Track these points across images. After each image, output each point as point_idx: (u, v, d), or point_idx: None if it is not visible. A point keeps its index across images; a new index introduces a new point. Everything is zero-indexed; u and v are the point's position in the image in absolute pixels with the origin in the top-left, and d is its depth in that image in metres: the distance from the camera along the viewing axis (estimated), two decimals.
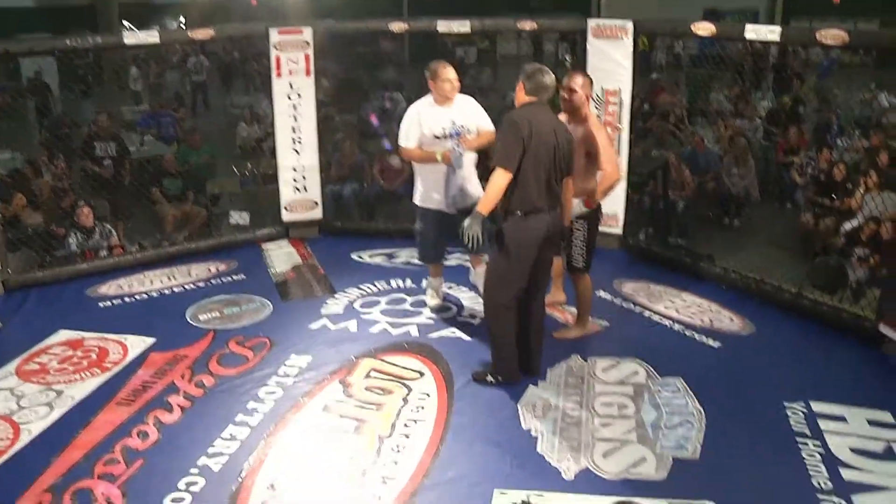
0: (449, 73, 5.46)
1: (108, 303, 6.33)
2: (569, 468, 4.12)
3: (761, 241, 7.78)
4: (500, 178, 4.43)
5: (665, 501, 3.85)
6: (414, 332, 5.68)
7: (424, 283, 6.31)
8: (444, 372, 5.09)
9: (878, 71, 17.86)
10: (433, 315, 5.93)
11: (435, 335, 5.62)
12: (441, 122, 5.47)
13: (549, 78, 4.60)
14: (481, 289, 6.10)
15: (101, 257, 7.03)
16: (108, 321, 5.93)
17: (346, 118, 11.29)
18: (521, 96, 4.67)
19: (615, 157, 5.27)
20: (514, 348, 4.88)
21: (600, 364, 5.18)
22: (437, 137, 5.47)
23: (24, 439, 4.40)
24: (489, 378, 4.91)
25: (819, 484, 4.00)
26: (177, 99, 14.29)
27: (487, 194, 4.48)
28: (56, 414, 4.66)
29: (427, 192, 5.67)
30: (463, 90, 5.72)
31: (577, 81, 5.25)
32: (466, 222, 4.51)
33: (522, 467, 4.13)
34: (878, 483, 4.02)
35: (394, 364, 5.20)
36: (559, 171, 4.61)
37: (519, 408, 4.67)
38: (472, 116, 5.59)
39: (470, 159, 5.63)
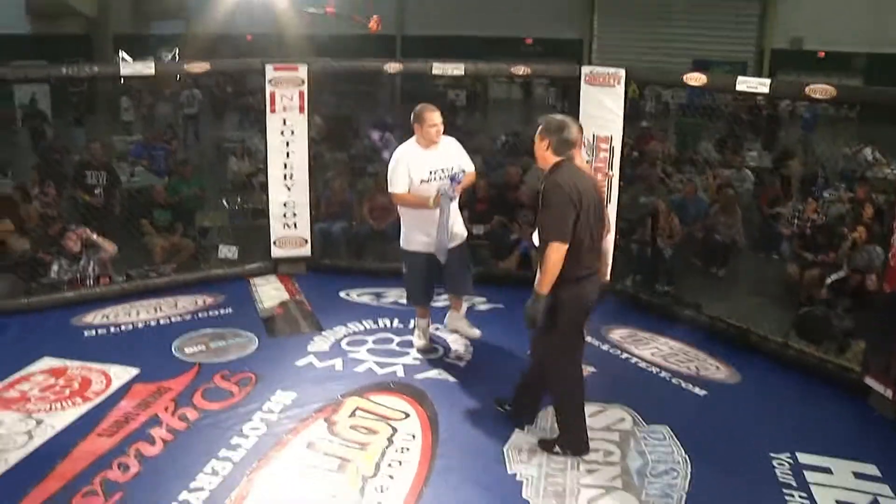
0: (435, 117, 5.50)
1: (94, 332, 6.28)
2: None
3: (748, 291, 7.81)
4: (558, 253, 4.23)
5: None
6: (400, 372, 5.65)
7: (412, 323, 6.29)
8: (430, 413, 5.07)
9: (860, 125, 18.13)
10: (420, 356, 5.91)
11: (421, 376, 5.60)
12: (427, 165, 5.52)
13: (575, 129, 4.49)
14: (468, 331, 6.14)
15: (87, 286, 6.98)
16: (92, 350, 5.88)
17: (336, 156, 11.32)
18: (543, 153, 4.45)
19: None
20: (584, 419, 4.74)
21: (587, 410, 5.12)
22: (424, 181, 5.50)
23: (1, 468, 4.34)
24: (556, 450, 4.66)
25: None
26: (169, 131, 14.32)
27: (547, 272, 4.27)
28: (35, 443, 4.60)
29: (411, 236, 5.70)
30: (454, 133, 5.82)
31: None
32: (528, 305, 4.35)
33: None
34: None
35: (379, 404, 5.18)
36: (599, 229, 4.49)
37: (505, 451, 4.65)
38: (456, 158, 5.65)
39: (454, 204, 5.66)
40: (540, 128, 4.47)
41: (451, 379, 5.58)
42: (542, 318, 4.35)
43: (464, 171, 5.60)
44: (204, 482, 4.25)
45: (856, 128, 18.38)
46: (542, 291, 4.30)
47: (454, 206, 5.64)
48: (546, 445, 4.71)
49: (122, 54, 11.07)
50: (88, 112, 17.06)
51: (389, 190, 5.62)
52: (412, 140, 5.62)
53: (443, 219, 5.49)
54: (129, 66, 6.78)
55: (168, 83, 17.88)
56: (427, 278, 5.82)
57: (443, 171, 5.52)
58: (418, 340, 6.10)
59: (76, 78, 6.79)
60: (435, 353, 5.97)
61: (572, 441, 4.67)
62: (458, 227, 5.72)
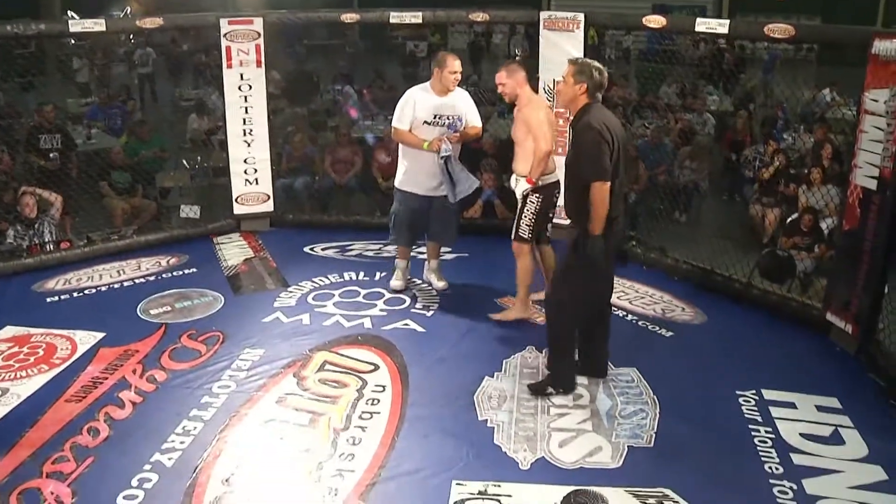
0: (457, 65, 5.65)
1: (56, 298, 6.18)
2: (525, 458, 4.14)
3: (711, 234, 7.88)
4: (602, 192, 4.27)
5: (621, 489, 3.89)
6: (368, 324, 5.65)
7: (377, 276, 6.41)
8: (399, 364, 5.08)
9: (819, 67, 18.25)
10: (387, 307, 5.91)
11: (389, 327, 5.61)
12: (434, 109, 5.66)
13: (605, 74, 4.47)
14: (436, 282, 6.16)
15: (47, 252, 6.85)
16: (55, 317, 5.79)
17: (296, 110, 11.18)
18: (577, 96, 4.42)
19: (549, 134, 5.28)
20: (574, 359, 4.83)
21: None
22: (427, 123, 5.67)
23: None
24: (549, 390, 4.73)
25: (771, 469, 4.08)
26: (125, 91, 14.00)
27: (598, 213, 4.29)
28: (1, 412, 4.54)
29: (408, 176, 5.84)
30: (415, 82, 5.93)
31: (501, 77, 5.44)
32: (589, 250, 4.36)
33: (479, 458, 4.13)
34: (827, 466, 4.13)
35: (348, 357, 5.18)
36: (627, 174, 4.55)
37: (475, 399, 4.67)
38: (464, 109, 5.76)
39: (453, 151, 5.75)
40: (572, 70, 4.45)
41: (419, 329, 5.60)
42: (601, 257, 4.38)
43: (462, 121, 5.74)
44: (176, 442, 4.23)
45: (815, 69, 18.52)
46: (598, 231, 4.33)
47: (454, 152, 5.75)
48: (538, 389, 4.75)
49: (71, 14, 10.79)
50: (39, 74, 16.62)
51: (392, 124, 5.81)
52: (427, 83, 5.80)
53: (447, 165, 5.63)
54: (79, 24, 6.59)
55: (121, 42, 17.50)
56: (412, 221, 5.95)
57: (448, 118, 5.69)
58: (395, 281, 6.20)
59: (23, 36, 6.58)
60: (402, 304, 5.97)
61: (565, 379, 4.75)
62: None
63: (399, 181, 5.92)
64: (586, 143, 4.33)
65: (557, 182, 5.39)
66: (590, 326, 4.86)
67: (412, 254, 6.38)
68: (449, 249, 6.81)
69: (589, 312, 4.76)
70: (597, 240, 4.34)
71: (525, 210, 5.41)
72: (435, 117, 5.67)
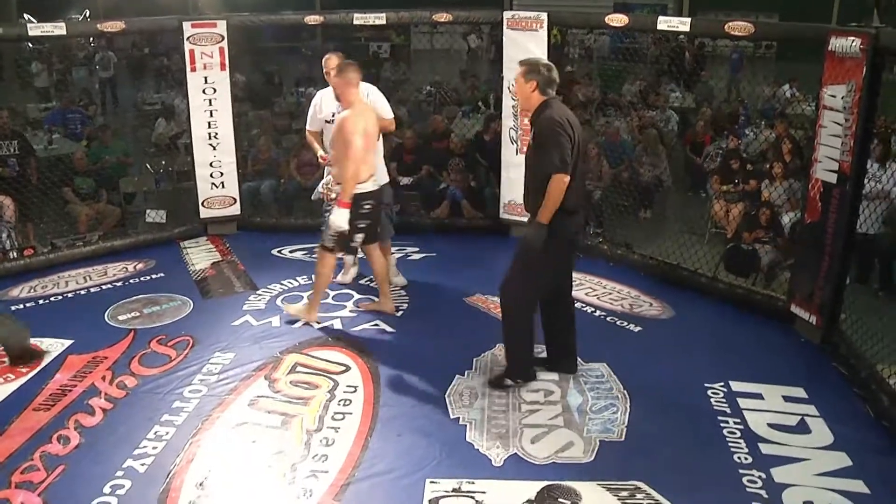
0: (329, 63, 5.71)
1: (21, 306, 6.10)
2: (498, 455, 4.17)
3: (676, 229, 7.98)
4: (561, 184, 4.31)
5: (594, 483, 3.93)
6: (338, 325, 5.66)
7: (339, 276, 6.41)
8: (370, 364, 5.09)
9: (778, 63, 18.51)
10: (357, 308, 5.91)
11: (358, 328, 5.62)
12: (334, 107, 5.72)
13: (556, 72, 4.54)
14: (393, 278, 6.20)
15: (10, 259, 6.76)
16: None
17: (260, 114, 11.13)
18: (529, 94, 4.49)
19: (357, 145, 5.19)
20: (532, 349, 4.85)
21: None
22: (328, 122, 5.78)
23: None
24: (507, 382, 4.79)
25: (740, 459, 4.15)
26: (85, 95, 13.82)
27: (550, 203, 4.33)
28: None
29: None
30: (378, 83, 6.06)
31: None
32: (529, 234, 4.45)
33: (452, 456, 4.16)
34: (794, 455, 4.21)
35: (319, 358, 5.18)
36: (584, 166, 4.60)
37: (446, 398, 4.70)
38: (373, 103, 5.72)
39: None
40: (522, 70, 4.52)
41: (389, 329, 5.61)
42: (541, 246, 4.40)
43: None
44: (148, 448, 4.21)
45: (774, 66, 18.79)
46: (545, 221, 4.37)
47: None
48: (496, 382, 4.81)
49: (27, 17, 10.61)
50: None
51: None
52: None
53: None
54: (38, 27, 6.52)
55: (81, 46, 17.28)
56: None
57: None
58: (342, 276, 6.33)
59: None
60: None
61: (522, 370, 4.81)
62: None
63: None
64: (548, 136, 4.37)
65: (369, 193, 5.41)
66: (550, 321, 4.91)
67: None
68: (416, 249, 6.84)
69: (543, 299, 4.79)
70: (542, 228, 4.39)
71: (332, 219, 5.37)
72: (333, 115, 5.69)
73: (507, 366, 4.84)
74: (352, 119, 5.21)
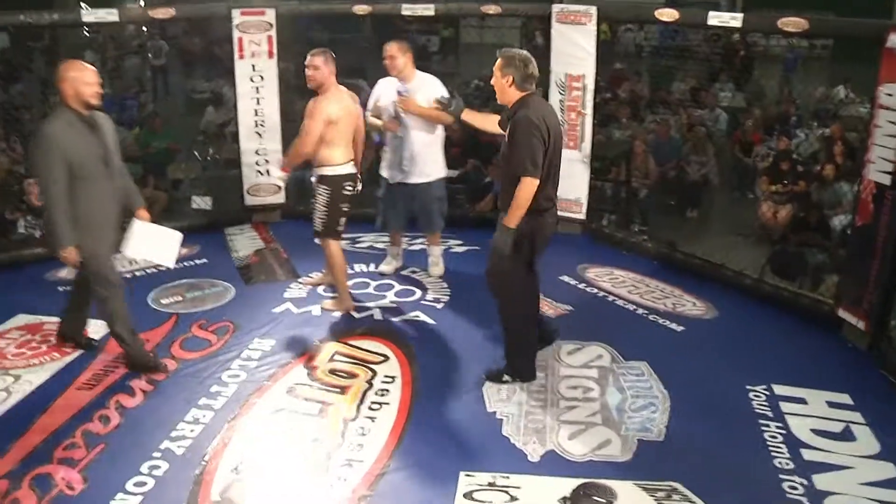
0: (385, 49, 5.74)
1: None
2: (534, 450, 4.14)
3: (722, 230, 7.86)
4: (530, 187, 4.19)
5: (630, 482, 3.89)
6: (378, 315, 5.66)
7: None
8: (409, 355, 5.09)
9: (833, 64, 18.10)
10: (397, 299, 5.91)
11: (398, 319, 5.62)
12: (393, 94, 5.77)
13: (535, 64, 4.36)
14: (430, 269, 6.26)
15: None
16: None
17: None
18: (506, 88, 4.32)
19: (312, 133, 5.31)
20: (535, 346, 4.82)
21: (565, 348, 5.20)
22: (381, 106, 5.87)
23: None
24: (505, 378, 4.73)
25: (780, 464, 4.07)
26: (138, 83, 14.04)
27: (518, 206, 4.23)
28: (14, 399, 4.57)
29: (383, 163, 6.04)
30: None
31: (316, 62, 5.49)
32: (496, 238, 4.36)
33: (488, 449, 4.14)
34: (837, 462, 4.11)
35: (358, 347, 5.19)
36: (559, 161, 4.47)
37: (484, 391, 4.67)
38: (429, 92, 5.70)
39: (422, 137, 5.78)
40: (499, 63, 4.32)
41: (429, 321, 5.60)
42: (509, 250, 4.34)
43: (408, 91, 5.72)
44: (186, 430, 4.25)
45: (828, 67, 18.38)
46: (511, 225, 4.28)
47: (419, 139, 5.78)
48: (494, 377, 4.75)
49: (83, 5, 10.77)
50: (53, 67, 16.64)
51: None
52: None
53: (399, 143, 5.80)
54: (92, 14, 6.61)
55: (134, 35, 17.51)
56: (386, 207, 6.10)
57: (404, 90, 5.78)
58: (382, 266, 6.38)
59: (36, 26, 6.61)
60: (412, 296, 5.97)
61: (524, 368, 4.74)
62: (426, 165, 5.84)
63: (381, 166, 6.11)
64: (521, 137, 4.22)
65: (348, 175, 5.44)
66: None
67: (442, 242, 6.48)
68: (460, 242, 6.83)
69: (535, 297, 4.76)
70: (509, 232, 4.28)
71: (317, 203, 5.47)
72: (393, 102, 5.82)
73: (510, 365, 4.76)
74: (321, 103, 5.33)
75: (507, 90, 4.33)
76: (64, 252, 4.48)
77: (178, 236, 5.04)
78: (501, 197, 4.51)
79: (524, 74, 4.28)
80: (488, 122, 5.00)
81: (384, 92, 5.88)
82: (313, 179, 5.59)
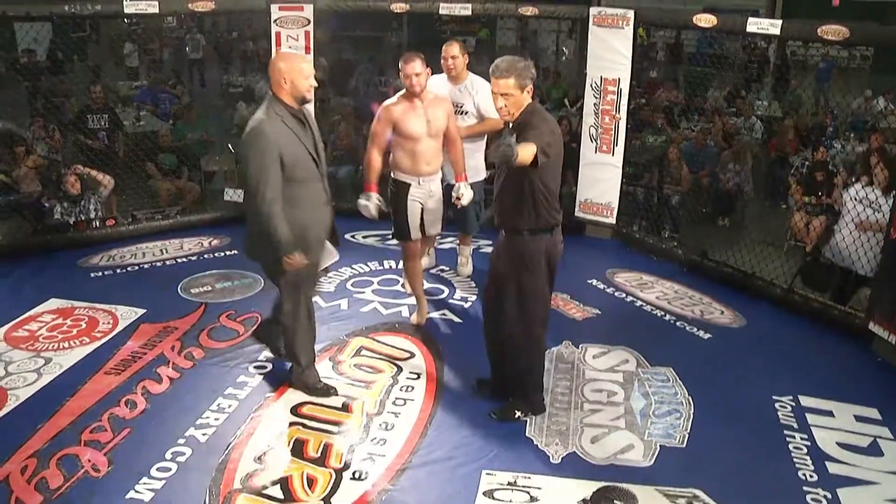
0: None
1: (100, 273, 6.30)
2: (556, 452, 4.13)
3: (754, 239, 7.78)
4: (531, 153, 3.69)
5: (651, 488, 3.87)
6: (405, 312, 5.67)
7: None
8: (435, 353, 5.10)
9: (873, 75, 17.87)
10: (425, 296, 5.90)
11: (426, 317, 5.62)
12: (445, 92, 5.70)
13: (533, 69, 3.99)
14: (459, 268, 6.27)
15: (93, 228, 6.98)
16: (99, 291, 5.90)
17: (342, 100, 11.23)
18: (520, 98, 3.92)
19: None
20: (542, 378, 4.53)
21: (591, 351, 5.19)
22: None
23: (11, 405, 4.39)
24: (518, 414, 4.41)
25: (805, 476, 4.02)
26: (174, 76, 14.20)
27: (524, 154, 3.65)
28: (44, 381, 4.65)
29: None
30: None
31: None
32: (502, 143, 3.65)
33: (510, 449, 4.13)
34: (863, 477, 4.06)
35: (384, 344, 5.21)
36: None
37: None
38: (479, 97, 5.73)
39: (467, 145, 5.69)
40: (510, 78, 3.87)
41: (456, 319, 5.61)
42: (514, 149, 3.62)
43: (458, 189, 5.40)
44: (211, 419, 4.30)
45: (868, 77, 18.15)
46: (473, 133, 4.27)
47: (465, 144, 5.63)
48: (506, 414, 4.41)
49: None
50: (93, 58, 16.87)
51: None
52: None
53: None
54: (133, 5, 6.69)
55: (172, 28, 17.70)
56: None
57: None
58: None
59: (79, 16, 6.71)
60: (440, 294, 5.99)
61: (535, 403, 4.46)
62: (468, 169, 5.71)
63: None
64: (539, 126, 3.86)
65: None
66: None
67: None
68: (490, 242, 6.81)
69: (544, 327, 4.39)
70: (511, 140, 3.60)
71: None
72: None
73: (523, 400, 4.43)
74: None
75: (521, 100, 3.93)
76: (289, 259, 4.08)
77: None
78: (502, 213, 4.15)
79: (531, 81, 3.94)
80: None
81: (436, 91, 5.65)
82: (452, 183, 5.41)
